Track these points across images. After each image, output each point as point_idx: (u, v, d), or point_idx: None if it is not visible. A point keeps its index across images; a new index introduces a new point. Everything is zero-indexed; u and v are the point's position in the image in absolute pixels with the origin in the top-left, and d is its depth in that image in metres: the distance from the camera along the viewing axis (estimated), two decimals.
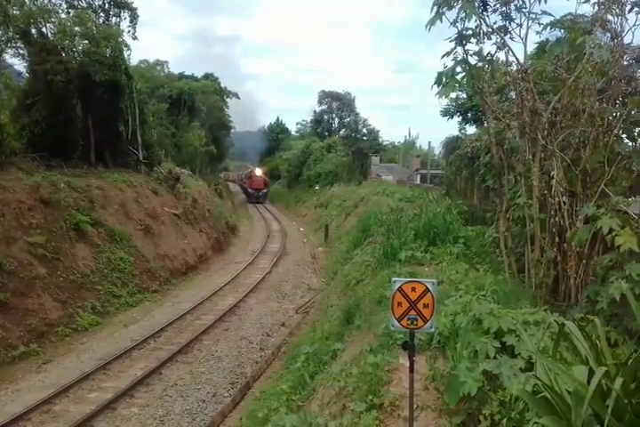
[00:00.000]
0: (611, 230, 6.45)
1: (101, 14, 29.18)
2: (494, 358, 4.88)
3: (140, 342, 14.50)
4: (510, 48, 8.50)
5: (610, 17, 7.91)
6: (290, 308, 18.90)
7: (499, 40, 8.47)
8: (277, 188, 76.15)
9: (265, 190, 72.65)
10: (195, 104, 49.23)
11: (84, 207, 19.71)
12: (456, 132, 24.45)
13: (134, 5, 29.74)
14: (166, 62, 55.01)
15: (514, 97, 8.86)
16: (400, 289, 4.51)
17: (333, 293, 16.10)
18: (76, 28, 25.13)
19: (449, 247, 11.22)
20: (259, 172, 72.49)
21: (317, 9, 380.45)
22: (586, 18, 8.27)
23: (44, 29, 24.74)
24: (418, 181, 41.41)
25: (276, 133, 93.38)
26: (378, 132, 55.59)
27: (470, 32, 8.44)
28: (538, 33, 8.67)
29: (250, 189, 72.71)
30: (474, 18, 8.14)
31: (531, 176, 8.37)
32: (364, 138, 52.73)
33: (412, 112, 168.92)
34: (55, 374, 12.50)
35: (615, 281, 6.08)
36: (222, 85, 63.61)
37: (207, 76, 63.23)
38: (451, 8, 8.15)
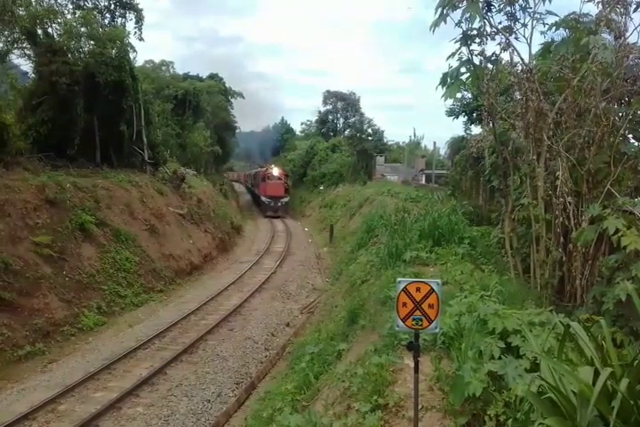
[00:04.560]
0: (616, 231, 6.42)
1: (107, 15, 29.38)
2: (499, 358, 4.88)
3: (145, 341, 14.53)
4: (515, 48, 8.50)
5: (614, 16, 7.88)
6: (294, 308, 18.92)
7: (503, 40, 8.46)
8: None
9: (285, 199, 53.21)
10: (200, 104, 49.37)
11: (89, 207, 19.77)
12: (461, 133, 24.41)
13: (140, 6, 29.94)
14: (172, 63, 55.45)
15: (519, 97, 8.83)
16: (405, 289, 4.50)
17: (338, 293, 16.09)
18: (82, 29, 25.27)
19: (454, 248, 11.20)
20: (276, 172, 53.56)
21: (319, 10, 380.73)
22: (590, 17, 8.25)
23: (49, 30, 24.91)
24: (423, 182, 41.48)
25: (281, 134, 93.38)
26: (383, 132, 54.89)
27: (475, 32, 8.44)
28: (542, 33, 8.67)
29: (263, 197, 52.78)
30: (478, 18, 8.13)
31: (536, 176, 8.35)
32: (369, 138, 52.45)
33: (416, 112, 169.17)
34: (60, 373, 12.54)
35: (621, 282, 6.06)
36: (227, 85, 63.75)
37: (212, 77, 63.36)
38: (455, 9, 8.15)
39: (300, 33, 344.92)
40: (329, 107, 77.04)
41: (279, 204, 52.32)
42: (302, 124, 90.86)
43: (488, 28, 8.47)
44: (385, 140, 55.91)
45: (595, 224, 7.12)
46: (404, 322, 4.55)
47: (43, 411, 10.46)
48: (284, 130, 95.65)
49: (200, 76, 62.33)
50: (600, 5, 7.92)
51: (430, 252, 11.26)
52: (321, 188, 54.32)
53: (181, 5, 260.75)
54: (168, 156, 36.00)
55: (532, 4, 8.32)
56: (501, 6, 8.46)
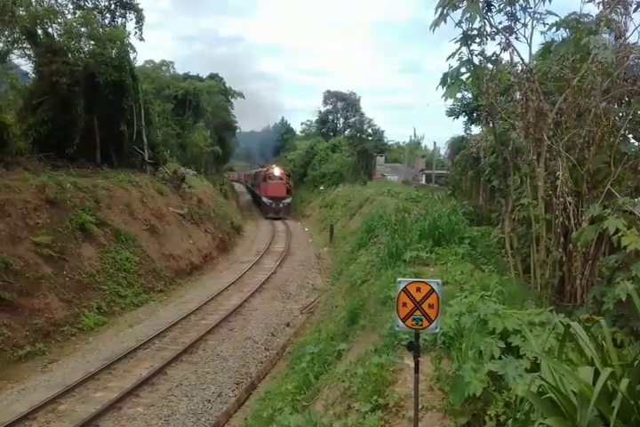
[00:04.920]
0: (617, 231, 6.42)
1: (107, 15, 29.40)
2: (499, 358, 4.88)
3: (146, 341, 14.53)
4: (515, 48, 8.51)
5: (614, 16, 7.89)
6: (295, 308, 18.92)
7: (504, 40, 8.47)
8: None
9: (287, 200, 51.60)
10: (200, 104, 49.35)
11: (89, 207, 19.76)
12: (461, 133, 24.45)
13: (140, 7, 29.96)
14: (172, 63, 55.46)
15: (519, 97, 8.83)
16: (405, 289, 4.50)
17: (338, 293, 16.09)
18: (82, 29, 25.28)
19: (454, 248, 11.20)
20: (277, 171, 52.22)
21: (319, 10, 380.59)
22: (590, 17, 8.26)
23: (50, 30, 24.92)
24: (423, 182, 41.48)
25: (281, 134, 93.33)
26: (383, 132, 54.73)
27: (475, 32, 8.45)
28: (543, 33, 8.68)
29: (265, 198, 51.33)
30: (478, 18, 8.14)
31: (536, 176, 8.35)
32: (369, 138, 52.41)
33: (416, 112, 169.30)
34: (61, 373, 12.54)
35: (621, 282, 6.06)
36: (227, 85, 63.75)
37: (212, 77, 63.36)
38: (455, 9, 8.16)
39: (299, 33, 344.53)
40: (329, 107, 76.99)
41: (281, 205, 50.49)
42: (302, 124, 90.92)
43: (488, 28, 8.49)
44: (385, 141, 55.85)
45: (595, 224, 7.13)
46: (404, 322, 4.55)
47: (43, 411, 10.45)
48: (285, 130, 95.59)
49: (200, 76, 62.42)
50: (600, 6, 7.93)
51: (430, 252, 11.26)
52: (321, 188, 54.31)
53: (181, 5, 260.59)
54: (168, 156, 36.01)
55: (532, 4, 8.33)
56: (501, 6, 8.48)
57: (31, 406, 10.49)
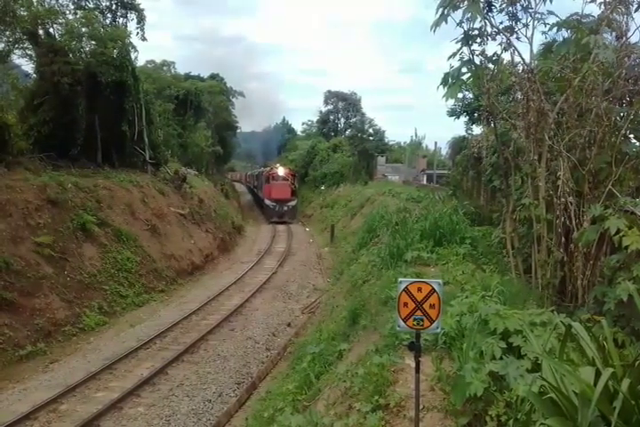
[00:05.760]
0: (618, 231, 6.41)
1: (108, 15, 29.39)
2: (500, 358, 4.87)
3: (147, 341, 14.55)
4: (516, 48, 8.50)
5: (616, 16, 7.88)
6: (296, 308, 18.92)
7: (504, 40, 8.46)
8: None
9: (293, 202, 47.78)
10: (201, 104, 49.34)
11: (90, 207, 19.79)
12: (463, 133, 24.41)
13: (141, 7, 29.95)
14: (173, 63, 55.53)
15: (520, 97, 8.82)
16: (406, 289, 4.50)
17: (339, 293, 16.09)
18: (84, 29, 25.29)
19: (455, 248, 11.19)
20: (282, 171, 48.34)
21: (319, 9, 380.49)
22: (592, 17, 8.24)
23: (51, 30, 24.95)
24: (424, 182, 41.44)
25: (282, 134, 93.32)
26: (384, 132, 54.77)
27: (476, 32, 8.45)
28: (544, 33, 8.67)
29: (268, 201, 47.53)
30: (479, 18, 8.14)
31: (537, 177, 8.34)
32: (370, 138, 52.47)
33: (416, 112, 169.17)
34: (62, 373, 12.55)
35: (622, 282, 6.05)
36: (228, 85, 63.80)
37: (213, 77, 63.46)
38: (456, 9, 8.15)
39: (299, 33, 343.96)
40: (330, 107, 76.97)
41: (285, 208, 46.64)
42: (303, 124, 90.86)
43: (489, 28, 8.47)
44: (386, 141, 55.86)
45: (596, 224, 7.11)
46: (405, 322, 4.55)
47: (44, 411, 10.48)
48: (286, 130, 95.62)
49: (201, 76, 62.46)
50: (602, 6, 7.91)
51: (431, 252, 11.25)
52: (322, 188, 54.28)
53: (181, 5, 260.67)
54: (169, 156, 36.04)
55: (533, 5, 8.32)
56: (502, 6, 8.47)
57: (32, 405, 10.52)
